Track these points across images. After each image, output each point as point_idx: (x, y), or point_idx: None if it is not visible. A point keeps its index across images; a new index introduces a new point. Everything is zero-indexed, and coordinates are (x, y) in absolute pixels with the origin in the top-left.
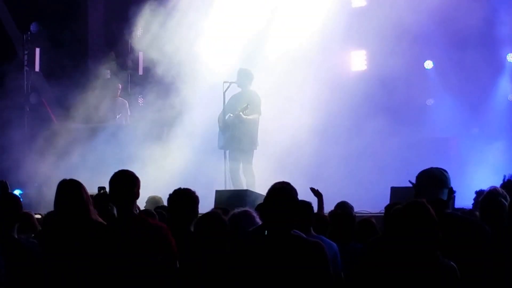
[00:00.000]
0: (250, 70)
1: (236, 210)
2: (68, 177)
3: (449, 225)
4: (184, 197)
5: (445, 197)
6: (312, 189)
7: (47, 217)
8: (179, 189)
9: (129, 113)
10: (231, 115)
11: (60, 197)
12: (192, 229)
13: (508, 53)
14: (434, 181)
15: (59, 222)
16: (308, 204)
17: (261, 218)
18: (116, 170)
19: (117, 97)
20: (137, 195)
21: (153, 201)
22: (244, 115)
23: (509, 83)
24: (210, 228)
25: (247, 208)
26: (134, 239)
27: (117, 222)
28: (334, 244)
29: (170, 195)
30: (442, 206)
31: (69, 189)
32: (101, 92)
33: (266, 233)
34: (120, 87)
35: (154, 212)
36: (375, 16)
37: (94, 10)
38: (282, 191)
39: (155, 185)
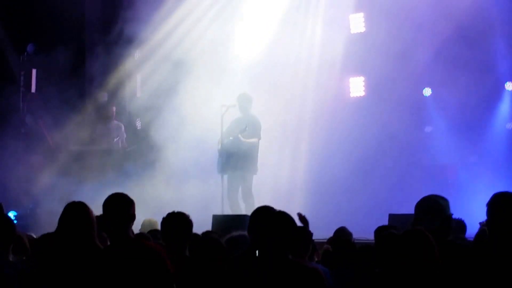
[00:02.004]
0: (249, 94)
1: (234, 233)
2: (63, 200)
3: (449, 253)
4: (177, 221)
5: (445, 224)
6: (300, 215)
7: (43, 239)
8: (173, 212)
9: (125, 136)
10: (231, 138)
11: (66, 219)
12: (187, 253)
13: (506, 82)
14: (431, 210)
15: (61, 244)
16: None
17: (254, 241)
18: (111, 193)
19: (111, 119)
20: (133, 218)
21: (149, 224)
22: (242, 137)
23: (508, 111)
24: (208, 253)
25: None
26: (131, 263)
27: (113, 246)
28: (326, 269)
29: (163, 218)
30: (442, 235)
31: (77, 211)
32: (98, 114)
33: (257, 256)
34: (114, 109)
35: (149, 235)
36: (373, 43)
37: (92, 31)
38: (283, 215)
39: (151, 208)
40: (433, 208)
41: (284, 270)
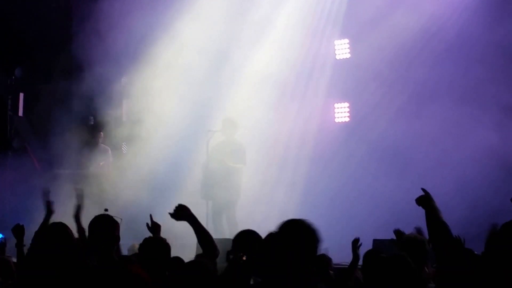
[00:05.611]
0: (235, 119)
1: None
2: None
3: None
4: (154, 245)
5: None
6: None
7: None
8: (150, 237)
9: (111, 160)
10: (215, 163)
11: (48, 239)
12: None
13: (491, 109)
14: None
15: (45, 265)
16: None
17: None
18: (96, 215)
19: (98, 144)
20: (117, 239)
21: (134, 249)
22: (227, 161)
23: (496, 141)
24: (192, 277)
25: None
26: (113, 286)
27: (97, 267)
28: None
29: (140, 244)
30: None
31: (58, 231)
32: (84, 138)
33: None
34: (102, 135)
35: (134, 259)
36: (358, 69)
37: (80, 56)
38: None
39: (136, 232)
40: None
41: None
